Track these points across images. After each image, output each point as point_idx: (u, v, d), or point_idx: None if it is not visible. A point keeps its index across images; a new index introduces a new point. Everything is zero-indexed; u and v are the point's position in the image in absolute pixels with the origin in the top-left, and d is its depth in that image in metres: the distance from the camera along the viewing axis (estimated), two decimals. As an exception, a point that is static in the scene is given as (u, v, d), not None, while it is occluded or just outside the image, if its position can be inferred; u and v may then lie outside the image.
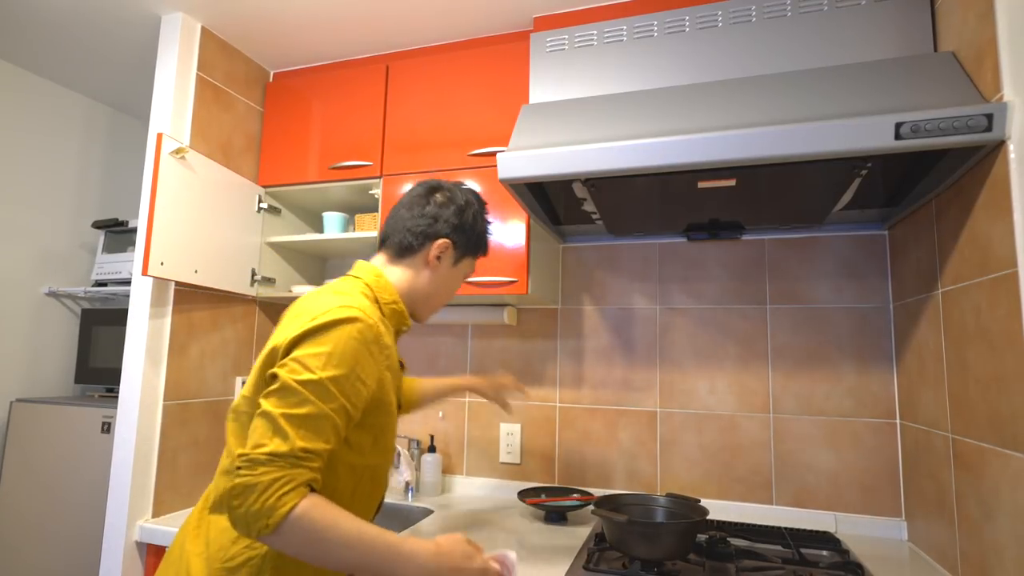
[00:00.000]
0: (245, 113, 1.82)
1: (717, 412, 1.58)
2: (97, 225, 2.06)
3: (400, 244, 1.00)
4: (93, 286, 2.02)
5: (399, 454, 1.69)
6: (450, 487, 1.79)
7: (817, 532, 1.38)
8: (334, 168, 1.71)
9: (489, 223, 1.09)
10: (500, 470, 1.76)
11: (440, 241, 1.00)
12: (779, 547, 1.32)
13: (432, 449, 1.76)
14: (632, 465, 1.63)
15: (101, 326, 2.00)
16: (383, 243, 1.03)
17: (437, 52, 1.74)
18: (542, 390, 1.75)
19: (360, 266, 1.01)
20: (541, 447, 1.73)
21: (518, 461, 1.74)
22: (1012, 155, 0.93)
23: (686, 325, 1.64)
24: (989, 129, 0.93)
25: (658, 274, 1.68)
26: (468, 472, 1.80)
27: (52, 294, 2.05)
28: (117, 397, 1.51)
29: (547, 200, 1.46)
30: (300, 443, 0.74)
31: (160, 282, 1.52)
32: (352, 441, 0.86)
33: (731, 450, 1.56)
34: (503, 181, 1.24)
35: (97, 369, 1.98)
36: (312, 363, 0.79)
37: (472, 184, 1.56)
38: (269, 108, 1.84)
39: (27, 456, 1.76)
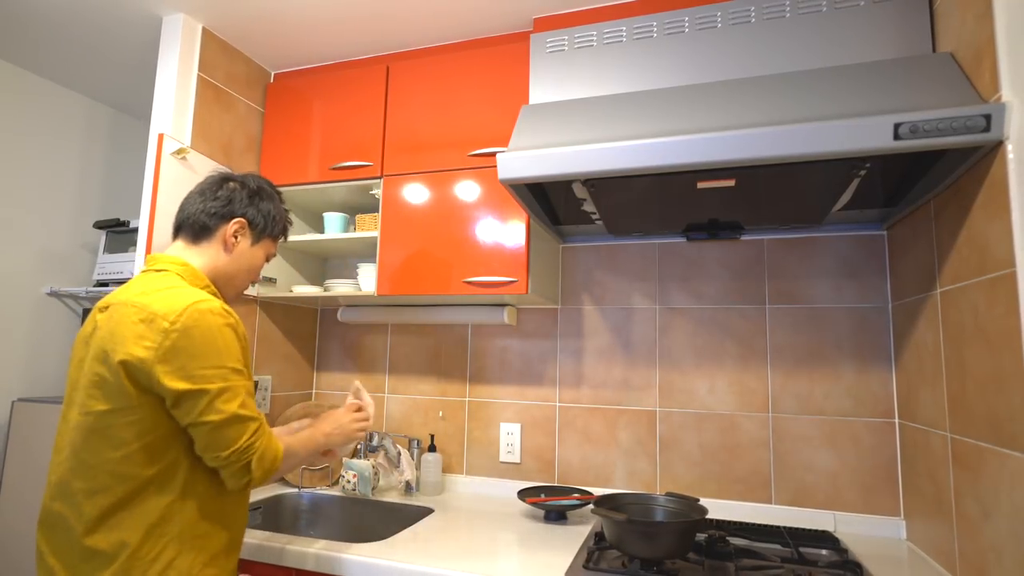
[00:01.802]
0: (246, 113, 1.82)
1: (716, 412, 1.59)
2: (98, 225, 2.07)
3: (195, 226, 1.04)
4: (94, 286, 2.03)
5: (399, 453, 1.70)
6: (450, 486, 1.80)
7: (816, 531, 1.38)
8: (335, 168, 1.71)
9: (284, 207, 1.15)
10: (500, 469, 1.77)
11: (236, 220, 1.05)
12: (778, 546, 1.32)
13: (432, 448, 1.76)
14: (632, 465, 1.64)
15: (102, 326, 2.00)
16: (178, 231, 1.07)
17: (437, 53, 1.75)
18: (542, 390, 1.76)
19: (159, 259, 1.02)
20: (541, 447, 1.73)
21: (518, 461, 1.75)
22: (1010, 155, 0.93)
23: (685, 325, 1.64)
24: (987, 129, 0.94)
25: (658, 274, 1.69)
26: (468, 471, 1.80)
27: (53, 294, 2.06)
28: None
29: (547, 200, 1.46)
30: (256, 413, 0.95)
31: (161, 282, 1.53)
32: None
33: (730, 449, 1.56)
34: (503, 181, 1.24)
35: (98, 369, 1.98)
36: (204, 359, 0.89)
37: (472, 184, 1.56)
38: (270, 108, 1.84)
39: (29, 455, 1.77)
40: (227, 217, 1.05)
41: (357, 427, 1.19)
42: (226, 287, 1.08)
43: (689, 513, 1.25)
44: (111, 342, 0.89)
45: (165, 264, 1.00)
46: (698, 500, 1.28)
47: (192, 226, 1.05)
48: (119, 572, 0.85)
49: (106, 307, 0.94)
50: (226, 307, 0.95)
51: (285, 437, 1.04)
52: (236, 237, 1.06)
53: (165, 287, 0.94)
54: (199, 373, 0.88)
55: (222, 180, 1.09)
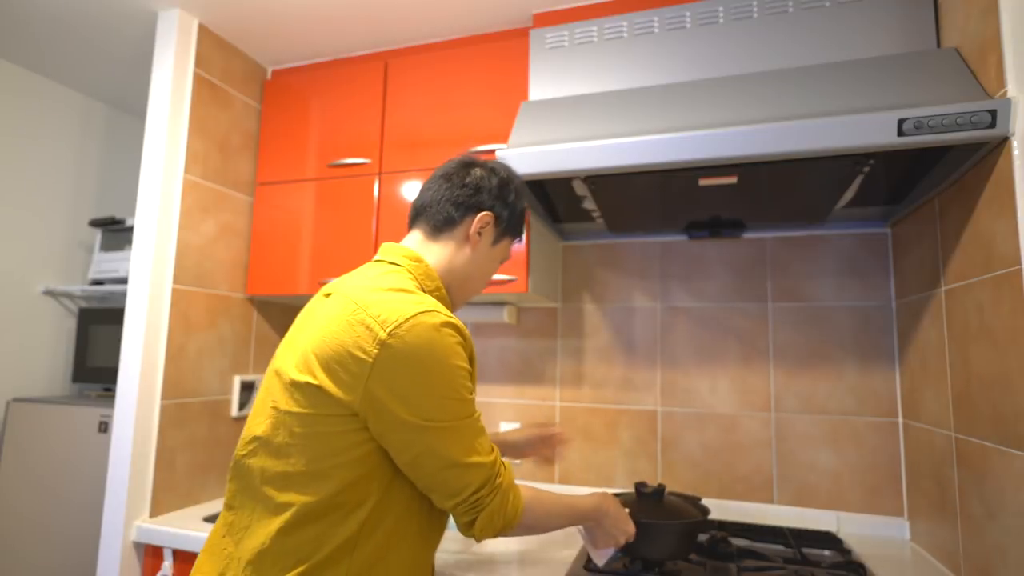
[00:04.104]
0: (243, 110, 1.81)
1: (718, 411, 1.58)
2: (94, 223, 2.05)
3: (439, 216, 0.92)
4: (90, 285, 2.01)
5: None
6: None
7: (819, 532, 1.37)
8: (333, 166, 1.70)
9: (525, 209, 1.01)
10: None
11: (483, 214, 0.92)
12: (781, 547, 1.31)
13: (431, 448, 1.75)
14: (633, 464, 1.63)
15: (98, 325, 1.99)
16: (416, 218, 0.95)
17: (436, 49, 1.73)
18: (542, 389, 1.75)
19: (392, 250, 0.92)
20: (541, 446, 1.72)
21: (518, 460, 1.73)
22: (1016, 152, 0.92)
23: (687, 324, 1.63)
24: (993, 125, 0.93)
25: (659, 272, 1.68)
26: (468, 471, 1.79)
27: (49, 293, 2.04)
28: (114, 396, 1.51)
29: (547, 198, 1.45)
30: (487, 460, 0.81)
31: (157, 281, 1.51)
32: None
33: (732, 449, 1.55)
34: (503, 178, 1.23)
35: (94, 368, 1.97)
36: (427, 391, 0.77)
37: (471, 182, 1.55)
38: (267, 105, 1.83)
39: (24, 456, 1.76)
40: (475, 209, 0.92)
41: (622, 536, 1.03)
42: (459, 291, 0.95)
43: (691, 513, 1.24)
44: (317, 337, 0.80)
45: (399, 258, 0.89)
46: (700, 499, 1.27)
47: (435, 216, 0.92)
48: None
49: (328, 295, 0.86)
50: (456, 320, 0.82)
51: (538, 492, 0.90)
52: (480, 234, 0.93)
53: (388, 287, 0.82)
54: (417, 403, 0.76)
55: (468, 164, 0.95)
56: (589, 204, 1.45)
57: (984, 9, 1.01)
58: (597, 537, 1.03)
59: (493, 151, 1.53)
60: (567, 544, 1.32)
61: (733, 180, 1.21)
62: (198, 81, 1.65)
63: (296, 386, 0.79)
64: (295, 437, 0.78)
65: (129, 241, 2.00)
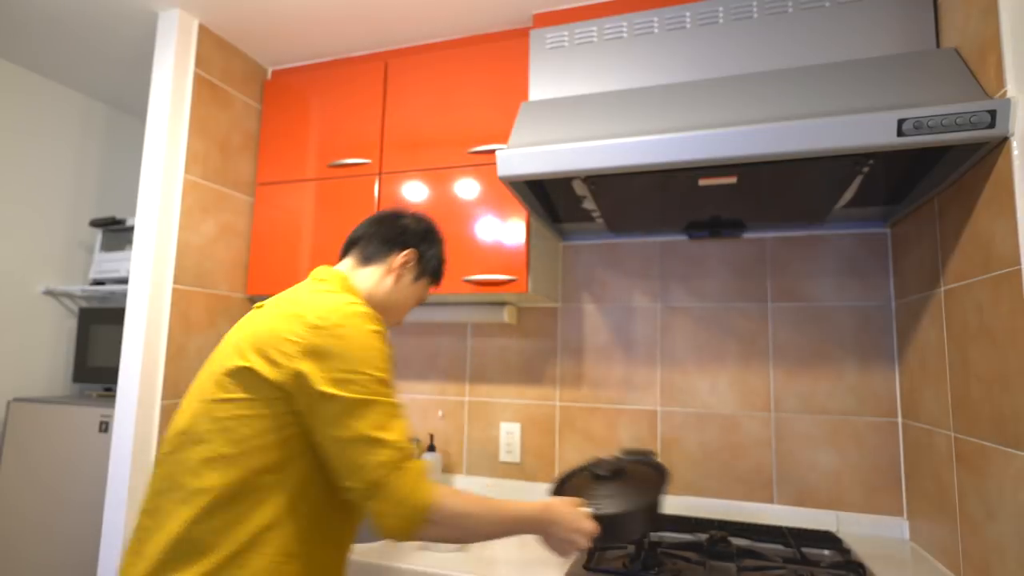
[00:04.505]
0: (243, 111, 1.81)
1: (718, 411, 1.58)
2: (95, 223, 2.05)
3: (369, 248, 1.04)
4: (90, 285, 2.01)
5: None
6: (450, 486, 1.78)
7: (819, 531, 1.37)
8: (333, 166, 1.70)
9: (444, 259, 1.14)
10: (500, 469, 1.76)
11: (408, 251, 1.04)
12: (780, 546, 1.31)
13: (432, 448, 1.75)
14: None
15: (99, 325, 1.99)
16: (349, 248, 1.06)
17: (436, 49, 1.73)
18: (542, 389, 1.75)
19: (323, 271, 1.00)
20: (541, 446, 1.72)
21: (518, 460, 1.74)
22: (1015, 152, 0.92)
23: (687, 323, 1.63)
24: (992, 126, 0.93)
25: (659, 272, 1.68)
26: (468, 471, 1.79)
27: (49, 293, 2.04)
28: (115, 396, 1.51)
29: (547, 198, 1.45)
30: (398, 439, 0.81)
31: (158, 281, 1.51)
32: None
33: (732, 449, 1.55)
34: (502, 179, 1.23)
35: (95, 368, 1.97)
36: (353, 367, 0.81)
37: (472, 181, 1.55)
38: (267, 105, 1.83)
39: (25, 455, 1.76)
40: (401, 246, 1.04)
41: (581, 538, 0.95)
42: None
43: (651, 482, 1.10)
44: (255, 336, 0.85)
45: (328, 277, 0.98)
46: (653, 453, 1.20)
47: (366, 247, 1.04)
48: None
49: (261, 306, 0.94)
50: (378, 316, 0.90)
51: (468, 496, 0.85)
52: (403, 268, 1.04)
53: (320, 291, 0.91)
54: (339, 376, 0.80)
55: (399, 213, 1.09)
56: (589, 204, 1.45)
57: (984, 9, 1.01)
58: (552, 546, 0.96)
59: (493, 151, 1.53)
60: (567, 544, 1.32)
61: (733, 180, 1.21)
62: (198, 81, 1.65)
63: (228, 374, 0.84)
64: (217, 422, 0.82)
65: (129, 241, 2.00)
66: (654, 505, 1.05)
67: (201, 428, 0.83)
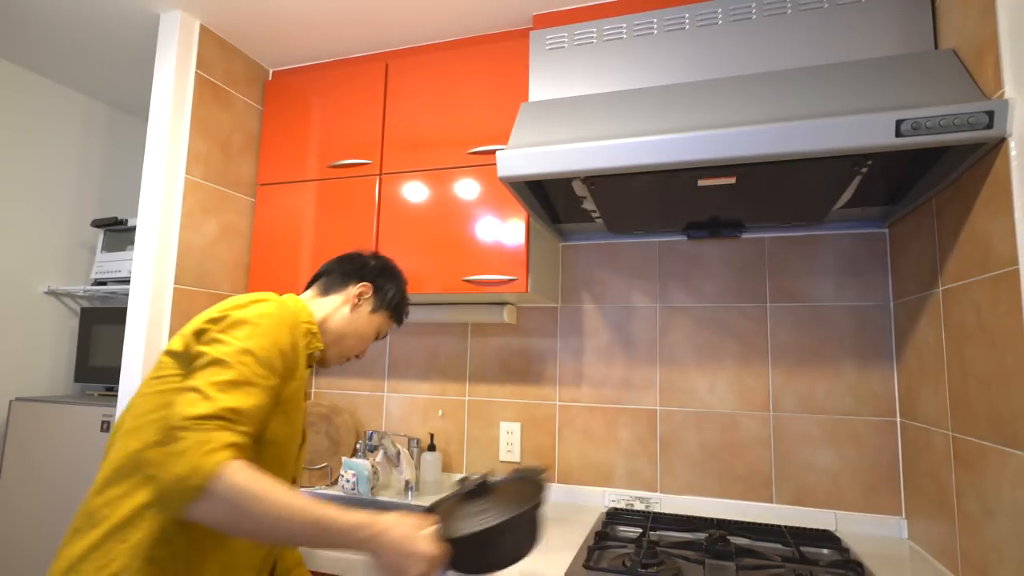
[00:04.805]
0: (244, 111, 1.82)
1: (717, 410, 1.58)
2: (96, 224, 2.06)
3: (329, 281, 1.10)
4: (92, 285, 2.02)
5: (399, 453, 1.69)
6: (450, 486, 1.79)
7: (817, 530, 1.38)
8: (333, 166, 1.70)
9: (407, 299, 1.18)
10: (500, 469, 1.76)
11: (364, 283, 1.09)
12: (779, 546, 1.32)
13: (432, 448, 1.75)
14: (632, 464, 1.63)
15: (101, 325, 2.00)
16: (313, 282, 1.12)
17: (437, 50, 1.74)
18: (542, 388, 1.75)
19: (286, 296, 1.02)
20: (541, 446, 1.73)
21: (518, 460, 1.74)
22: (1013, 152, 0.92)
23: (686, 323, 1.64)
24: (990, 126, 0.93)
25: (658, 272, 1.68)
26: (468, 471, 1.80)
27: (51, 293, 2.05)
28: (116, 396, 1.51)
29: (547, 198, 1.46)
30: (225, 403, 0.74)
31: (159, 281, 1.52)
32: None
33: (731, 448, 1.56)
34: (502, 179, 1.24)
35: (97, 368, 1.98)
36: (234, 334, 0.83)
37: (472, 182, 1.56)
38: (268, 106, 1.83)
39: (26, 455, 1.76)
40: (357, 279, 1.10)
41: (417, 564, 0.78)
42: (333, 344, 1.06)
43: (525, 496, 0.90)
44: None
45: (286, 298, 0.99)
46: (545, 470, 1.12)
47: (327, 280, 1.10)
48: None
49: None
50: (309, 320, 0.98)
51: (275, 481, 0.74)
52: (359, 299, 1.09)
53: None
54: (213, 337, 0.83)
55: (360, 253, 1.16)
56: (588, 204, 1.46)
57: (981, 10, 1.02)
58: (383, 571, 0.79)
59: (493, 151, 1.53)
60: (567, 546, 1.32)
61: (732, 180, 1.21)
62: (200, 82, 1.66)
63: (158, 360, 0.90)
64: (134, 401, 0.87)
65: (131, 241, 2.01)
66: (517, 524, 0.85)
67: (128, 413, 0.88)
